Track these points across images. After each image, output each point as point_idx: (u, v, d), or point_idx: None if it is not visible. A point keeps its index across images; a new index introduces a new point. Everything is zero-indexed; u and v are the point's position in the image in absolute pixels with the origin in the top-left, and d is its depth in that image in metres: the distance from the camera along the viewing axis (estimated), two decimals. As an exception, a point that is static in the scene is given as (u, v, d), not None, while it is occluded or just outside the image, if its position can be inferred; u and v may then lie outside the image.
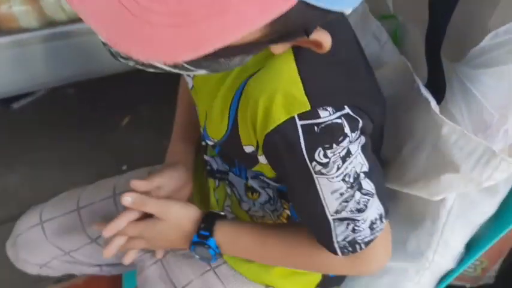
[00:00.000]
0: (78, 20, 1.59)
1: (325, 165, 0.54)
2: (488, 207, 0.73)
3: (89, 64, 1.75)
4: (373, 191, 0.59)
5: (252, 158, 0.61)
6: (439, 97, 0.67)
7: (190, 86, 0.71)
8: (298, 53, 0.52)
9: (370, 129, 0.58)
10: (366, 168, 0.57)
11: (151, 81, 1.93)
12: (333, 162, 0.54)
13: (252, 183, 0.73)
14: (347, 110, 0.53)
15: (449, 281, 0.83)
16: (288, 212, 0.75)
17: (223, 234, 0.70)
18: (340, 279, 0.85)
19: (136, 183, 0.72)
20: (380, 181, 0.61)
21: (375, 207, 0.60)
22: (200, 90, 0.68)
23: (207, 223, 0.70)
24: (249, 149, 0.60)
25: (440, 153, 0.65)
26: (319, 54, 0.48)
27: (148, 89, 1.94)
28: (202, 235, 0.69)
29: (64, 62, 1.69)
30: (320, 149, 0.53)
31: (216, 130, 0.63)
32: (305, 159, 0.54)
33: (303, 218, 0.65)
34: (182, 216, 0.71)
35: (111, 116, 1.86)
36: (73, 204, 0.89)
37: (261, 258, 0.73)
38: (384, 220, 0.62)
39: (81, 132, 1.79)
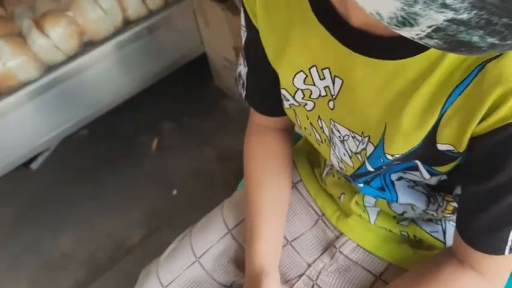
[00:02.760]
0: (77, 54, 1.44)
1: None
2: None
3: (97, 98, 1.61)
4: None
5: (443, 157, 0.51)
6: None
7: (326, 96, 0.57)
8: None
9: None
10: None
11: (162, 98, 1.81)
12: None
13: (403, 199, 0.62)
14: None
15: None
16: (453, 204, 0.65)
17: None
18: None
19: None
20: None
21: None
22: (359, 101, 0.53)
23: None
24: (444, 147, 0.50)
25: None
26: None
27: (163, 106, 1.82)
28: None
29: (73, 105, 1.55)
30: None
31: (404, 141, 0.51)
32: None
33: (474, 217, 0.55)
34: None
35: (137, 145, 1.73)
36: (189, 256, 0.76)
37: None
38: None
39: (113, 170, 1.66)
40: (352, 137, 0.56)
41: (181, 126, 1.76)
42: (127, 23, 1.52)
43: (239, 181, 1.51)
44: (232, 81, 1.69)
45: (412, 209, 0.66)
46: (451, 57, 0.44)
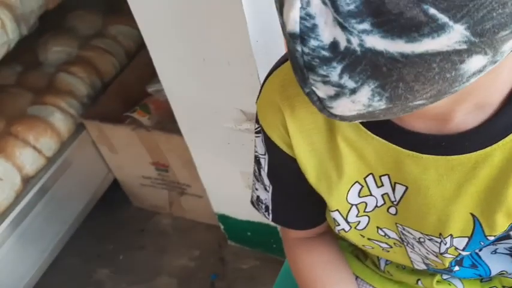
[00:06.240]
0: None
1: None
2: None
3: (18, 276, 1.34)
4: None
5: None
6: None
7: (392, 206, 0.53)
8: None
9: None
10: None
11: (88, 244, 1.58)
12: None
13: (495, 270, 0.60)
14: None
15: None
16: None
17: None
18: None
19: None
20: None
21: None
22: (434, 203, 0.49)
23: None
24: None
25: None
26: None
27: (91, 253, 1.59)
28: None
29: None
30: None
31: (507, 217, 0.48)
32: None
33: None
34: None
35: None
36: None
37: None
38: None
39: None
40: (429, 239, 0.52)
41: (120, 267, 1.54)
42: (27, 181, 1.32)
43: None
44: (157, 197, 1.56)
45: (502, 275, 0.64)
46: None
